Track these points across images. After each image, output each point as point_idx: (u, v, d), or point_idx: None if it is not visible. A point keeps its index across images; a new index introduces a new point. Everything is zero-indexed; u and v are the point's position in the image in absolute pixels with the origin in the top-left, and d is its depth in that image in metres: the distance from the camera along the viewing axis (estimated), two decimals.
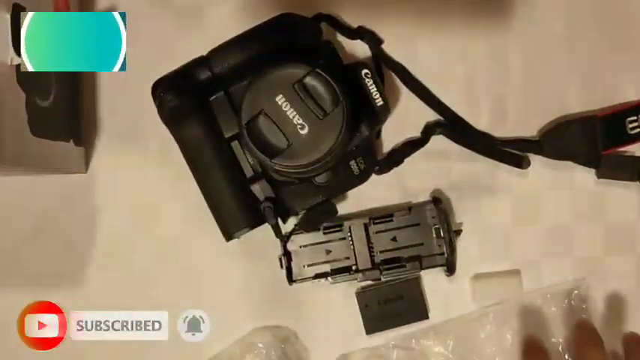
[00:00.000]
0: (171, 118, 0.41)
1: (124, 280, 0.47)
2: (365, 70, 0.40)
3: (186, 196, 0.44)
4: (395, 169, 0.46)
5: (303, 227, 0.43)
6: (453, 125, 0.47)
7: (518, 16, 0.47)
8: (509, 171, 0.46)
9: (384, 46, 0.47)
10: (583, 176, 0.47)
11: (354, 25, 0.47)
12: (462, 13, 0.47)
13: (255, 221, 0.42)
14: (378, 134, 0.46)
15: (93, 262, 0.47)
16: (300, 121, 0.35)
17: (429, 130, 0.46)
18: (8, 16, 0.36)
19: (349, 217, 0.46)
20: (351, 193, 0.46)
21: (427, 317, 0.46)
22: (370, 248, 0.45)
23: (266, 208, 0.41)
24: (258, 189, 0.42)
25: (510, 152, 0.46)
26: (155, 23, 0.47)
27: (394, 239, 0.45)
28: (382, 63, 0.47)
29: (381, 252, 0.45)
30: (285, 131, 0.35)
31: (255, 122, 0.35)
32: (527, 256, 0.47)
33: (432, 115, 0.47)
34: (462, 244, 0.46)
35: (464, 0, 0.47)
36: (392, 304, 0.45)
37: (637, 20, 0.47)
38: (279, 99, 0.35)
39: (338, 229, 0.45)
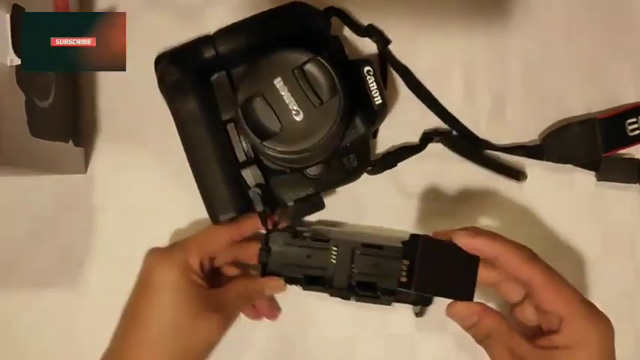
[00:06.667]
0: (171, 91, 0.41)
1: (124, 281, 0.47)
2: (367, 68, 0.40)
3: (186, 196, 0.44)
4: (393, 169, 0.46)
5: (289, 218, 0.43)
6: (452, 132, 0.46)
7: (517, 18, 0.47)
8: None
9: (390, 47, 0.47)
10: (583, 179, 0.46)
11: (364, 23, 0.47)
12: (462, 16, 0.47)
13: (242, 207, 0.41)
14: (375, 134, 0.46)
15: (92, 262, 0.47)
16: (296, 107, 0.35)
17: (426, 138, 0.46)
18: (8, 17, 0.36)
19: (342, 229, 0.44)
20: (347, 194, 0.46)
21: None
22: (351, 268, 0.41)
23: (255, 194, 0.41)
24: (249, 174, 0.41)
25: (508, 165, 0.46)
26: (155, 23, 0.47)
27: (377, 265, 0.41)
28: (387, 63, 0.47)
29: (360, 273, 0.41)
30: (280, 115, 0.35)
31: (250, 102, 0.35)
32: None
33: (432, 119, 0.47)
34: None
35: (463, 3, 0.47)
36: None
37: (636, 21, 0.47)
38: (277, 82, 0.35)
39: (325, 244, 0.41)
